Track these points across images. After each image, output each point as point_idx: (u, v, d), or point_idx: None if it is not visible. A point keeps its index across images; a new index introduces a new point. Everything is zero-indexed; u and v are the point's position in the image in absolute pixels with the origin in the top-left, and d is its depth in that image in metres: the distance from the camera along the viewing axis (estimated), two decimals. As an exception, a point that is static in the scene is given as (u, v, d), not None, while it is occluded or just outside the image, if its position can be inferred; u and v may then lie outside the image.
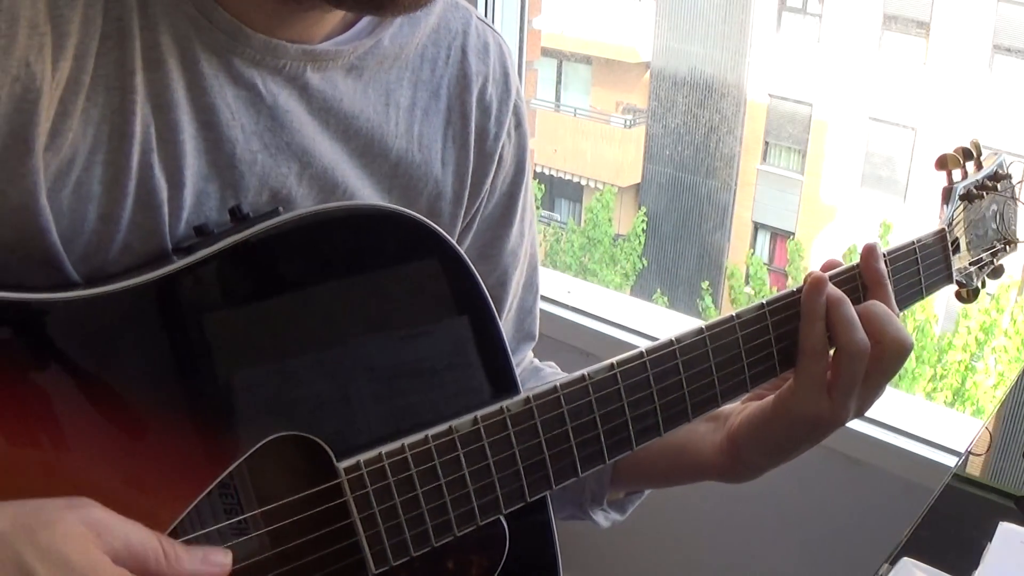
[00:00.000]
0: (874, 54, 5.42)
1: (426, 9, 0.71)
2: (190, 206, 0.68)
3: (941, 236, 0.89)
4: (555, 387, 0.71)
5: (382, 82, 0.77)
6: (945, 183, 0.92)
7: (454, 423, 0.69)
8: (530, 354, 1.00)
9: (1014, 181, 0.96)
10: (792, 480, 1.74)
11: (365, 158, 0.77)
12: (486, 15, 1.93)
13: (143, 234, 0.66)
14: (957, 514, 0.96)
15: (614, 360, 0.74)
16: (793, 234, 6.21)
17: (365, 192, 0.78)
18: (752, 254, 6.24)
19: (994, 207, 0.95)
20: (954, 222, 0.91)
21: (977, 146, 0.94)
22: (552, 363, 0.98)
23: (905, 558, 0.84)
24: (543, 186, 6.59)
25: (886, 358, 0.78)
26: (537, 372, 0.97)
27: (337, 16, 0.73)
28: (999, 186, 0.95)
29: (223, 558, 0.61)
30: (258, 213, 0.68)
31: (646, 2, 6.31)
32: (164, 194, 0.66)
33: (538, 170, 6.35)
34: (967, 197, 0.92)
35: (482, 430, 0.70)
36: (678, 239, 6.47)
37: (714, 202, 6.21)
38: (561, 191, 7.09)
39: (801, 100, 5.94)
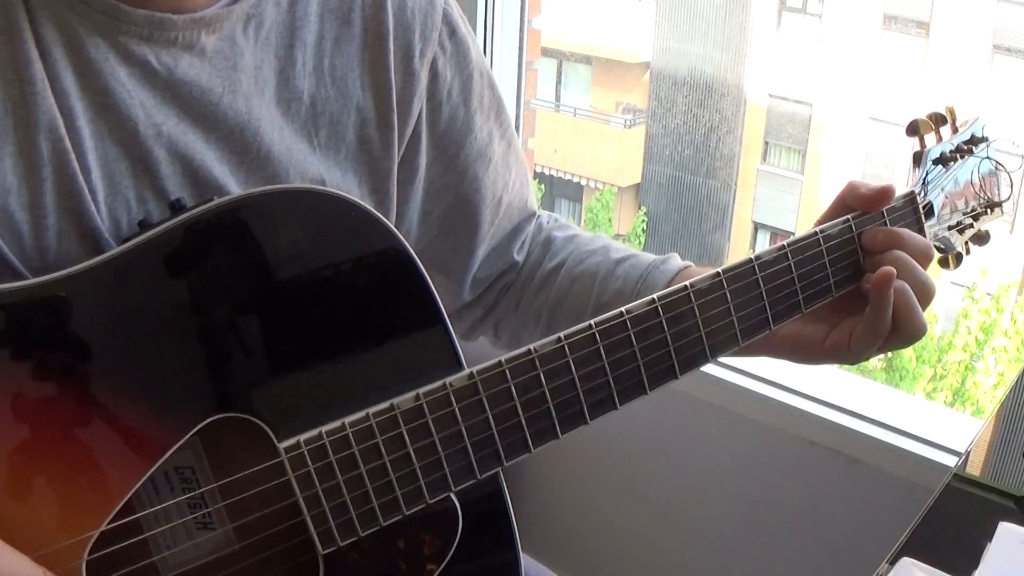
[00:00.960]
0: (874, 54, 5.41)
1: None
2: (104, 188, 0.70)
3: (911, 199, 0.89)
4: (500, 362, 0.72)
5: (284, 24, 0.77)
6: (917, 148, 0.92)
7: (395, 400, 0.70)
8: (536, 223, 1.01)
9: (991, 143, 0.95)
10: (792, 480, 1.74)
11: (281, 106, 0.78)
12: (486, 15, 1.93)
13: (73, 218, 0.68)
14: (957, 514, 0.96)
15: (562, 334, 0.74)
16: (793, 234, 6.19)
17: (287, 143, 0.78)
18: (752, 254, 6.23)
19: (973, 170, 0.94)
20: (928, 186, 0.91)
21: (952, 111, 0.93)
22: (559, 218, 1.00)
23: (905, 558, 0.84)
24: (543, 186, 6.57)
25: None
26: (549, 244, 0.98)
27: None
28: (976, 149, 0.94)
29: None
30: (195, 203, 0.70)
31: (646, 2, 6.30)
32: (80, 178, 0.67)
33: (538, 170, 6.35)
34: (942, 161, 0.91)
35: (425, 407, 0.70)
36: (678, 239, 6.44)
37: (714, 202, 6.19)
38: (561, 191, 7.07)
39: (801, 100, 5.92)
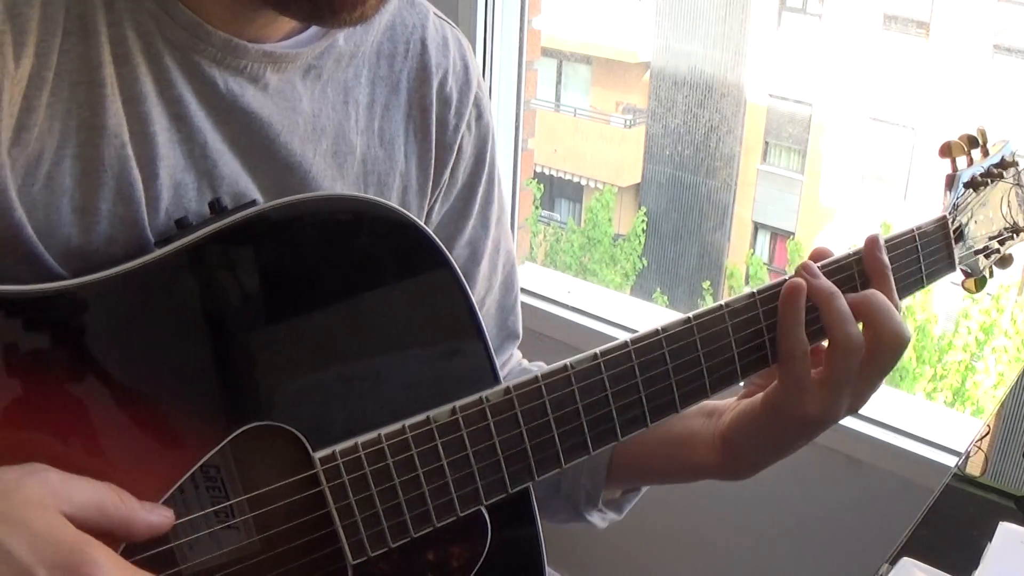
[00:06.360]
0: (874, 54, 5.42)
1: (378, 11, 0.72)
2: (168, 197, 0.69)
3: (942, 224, 0.88)
4: (536, 377, 0.71)
5: (340, 81, 0.78)
6: (949, 171, 0.90)
7: (432, 413, 0.69)
8: (518, 354, 0.99)
9: (1021, 168, 0.94)
10: (792, 480, 1.74)
11: (337, 158, 0.79)
12: (486, 15, 1.93)
13: (125, 226, 0.67)
14: (957, 514, 0.96)
15: (598, 350, 0.73)
16: (793, 234, 6.20)
17: (337, 189, 0.78)
18: (752, 254, 6.23)
19: (1002, 195, 0.93)
20: (959, 209, 0.89)
21: (983, 133, 0.92)
22: (541, 363, 0.97)
23: (905, 558, 0.84)
24: (543, 186, 6.58)
25: (883, 352, 0.76)
26: (526, 373, 0.96)
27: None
28: (1006, 173, 0.93)
29: (168, 511, 0.62)
30: (236, 205, 0.69)
31: (646, 2, 6.31)
32: (140, 185, 0.67)
33: (538, 170, 6.35)
34: (972, 184, 0.90)
35: (460, 420, 0.70)
36: (678, 239, 6.45)
37: (714, 202, 6.19)
38: (561, 191, 7.07)
39: (801, 100, 5.93)
